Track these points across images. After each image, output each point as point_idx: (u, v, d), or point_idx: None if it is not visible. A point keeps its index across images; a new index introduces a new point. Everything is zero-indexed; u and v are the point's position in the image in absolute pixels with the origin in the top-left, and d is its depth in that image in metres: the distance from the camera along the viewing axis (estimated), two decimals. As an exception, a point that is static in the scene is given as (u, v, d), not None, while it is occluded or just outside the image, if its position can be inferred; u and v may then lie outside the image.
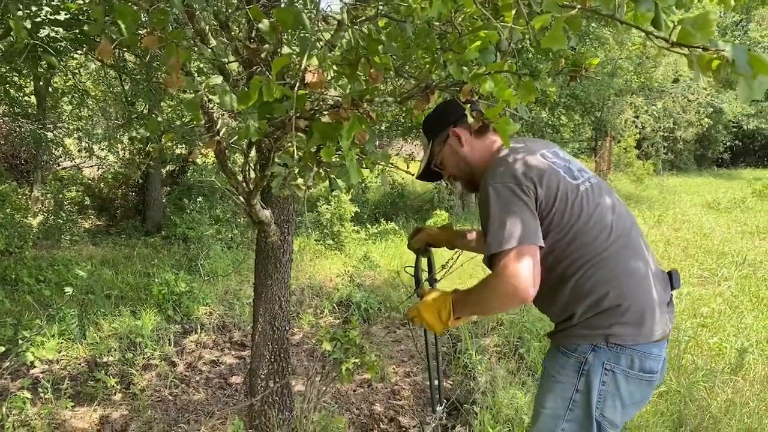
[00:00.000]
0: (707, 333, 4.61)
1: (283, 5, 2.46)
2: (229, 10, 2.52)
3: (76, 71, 9.34)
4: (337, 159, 1.65)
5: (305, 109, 1.65)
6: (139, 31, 1.62)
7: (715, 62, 1.06)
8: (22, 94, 9.33)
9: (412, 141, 13.59)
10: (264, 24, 1.53)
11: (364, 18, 2.04)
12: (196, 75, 2.21)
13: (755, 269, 6.90)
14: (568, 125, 13.73)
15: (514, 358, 4.29)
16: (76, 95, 9.98)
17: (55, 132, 9.96)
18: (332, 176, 1.71)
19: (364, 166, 1.78)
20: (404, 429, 3.52)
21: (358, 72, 1.61)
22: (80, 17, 3.98)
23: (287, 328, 3.05)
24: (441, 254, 3.05)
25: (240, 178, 2.35)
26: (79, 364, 4.32)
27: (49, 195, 10.57)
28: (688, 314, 5.08)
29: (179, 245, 8.63)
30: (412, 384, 4.16)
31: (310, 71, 1.47)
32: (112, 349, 4.48)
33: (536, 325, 4.59)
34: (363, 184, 12.71)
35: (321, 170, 1.70)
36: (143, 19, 1.82)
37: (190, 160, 10.52)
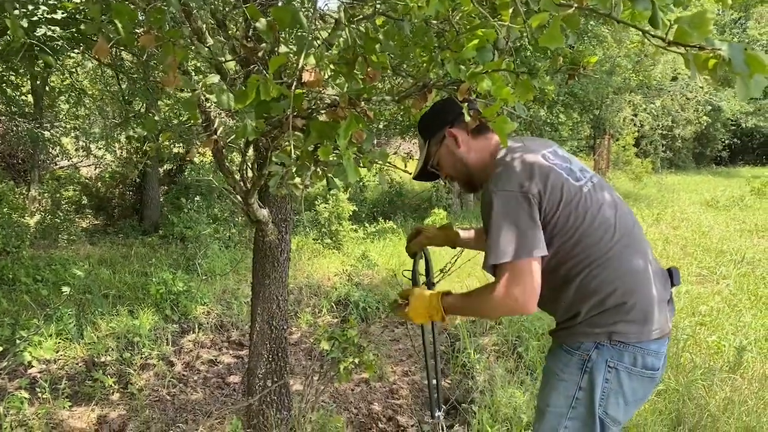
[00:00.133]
0: (706, 331, 4.62)
1: (280, 4, 2.45)
2: (226, 9, 2.51)
3: (73, 70, 9.32)
4: (335, 158, 1.65)
5: (302, 108, 1.65)
6: (136, 30, 1.62)
7: (712, 61, 1.06)
8: (18, 93, 9.32)
9: (410, 140, 13.58)
10: (261, 23, 1.52)
11: (361, 17, 2.04)
12: (193, 74, 2.21)
13: (754, 267, 6.91)
14: (566, 123, 13.73)
15: (513, 356, 4.29)
16: (73, 94, 9.97)
17: (52, 131, 9.95)
18: (329, 175, 1.71)
19: (361, 164, 1.78)
20: (402, 428, 3.52)
21: (355, 71, 1.60)
22: (77, 16, 3.97)
23: (285, 327, 3.05)
24: (440, 256, 3.04)
25: (237, 177, 2.35)
26: (77, 363, 4.31)
27: (46, 194, 10.55)
28: (686, 312, 5.08)
29: (177, 244, 8.62)
30: (411, 383, 4.16)
31: (307, 70, 1.47)
32: (110, 349, 4.48)
33: (535, 323, 4.59)
34: (361, 183, 12.70)
35: (318, 169, 1.70)
36: (140, 18, 1.81)
37: (188, 159, 10.53)
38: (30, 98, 10.21)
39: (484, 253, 1.72)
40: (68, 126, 10.79)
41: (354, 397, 3.92)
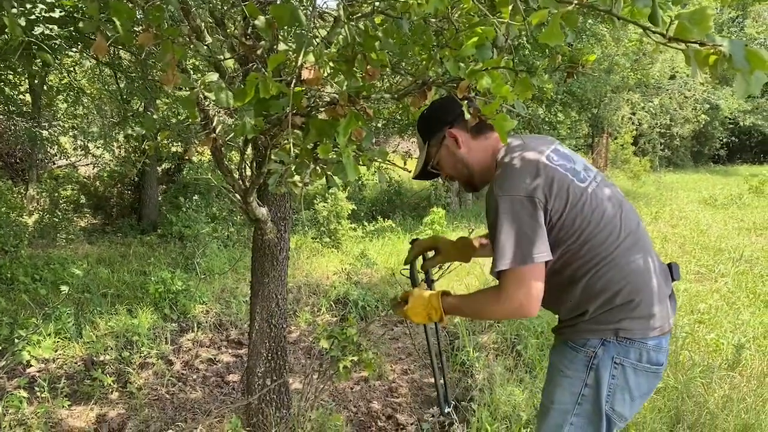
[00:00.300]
0: (704, 329, 4.62)
1: (279, 2, 2.45)
2: (225, 7, 2.51)
3: (71, 69, 9.30)
4: (334, 156, 1.65)
5: (302, 106, 1.64)
6: (135, 29, 1.61)
7: (712, 57, 1.06)
8: (16, 93, 9.30)
9: (409, 138, 13.58)
10: (260, 20, 1.52)
11: (360, 14, 2.03)
12: (191, 72, 2.20)
13: (752, 265, 6.92)
14: (564, 122, 13.73)
15: (512, 355, 4.29)
16: (71, 93, 9.95)
17: (50, 130, 9.93)
18: (329, 173, 1.70)
19: (361, 163, 1.78)
20: (402, 426, 3.52)
21: (354, 69, 1.60)
22: (75, 15, 3.96)
23: (284, 326, 3.04)
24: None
25: (236, 175, 2.34)
26: (76, 362, 4.31)
27: (44, 193, 10.53)
28: (685, 310, 5.09)
29: (175, 243, 8.61)
30: (410, 381, 4.16)
31: (306, 68, 1.46)
32: (109, 348, 4.47)
33: (533, 322, 4.59)
34: (360, 182, 12.70)
35: (318, 167, 1.70)
36: (138, 17, 1.81)
37: (186, 157, 10.52)
38: (28, 97, 10.18)
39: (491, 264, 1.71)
40: (66, 125, 10.76)
41: (353, 396, 3.92)
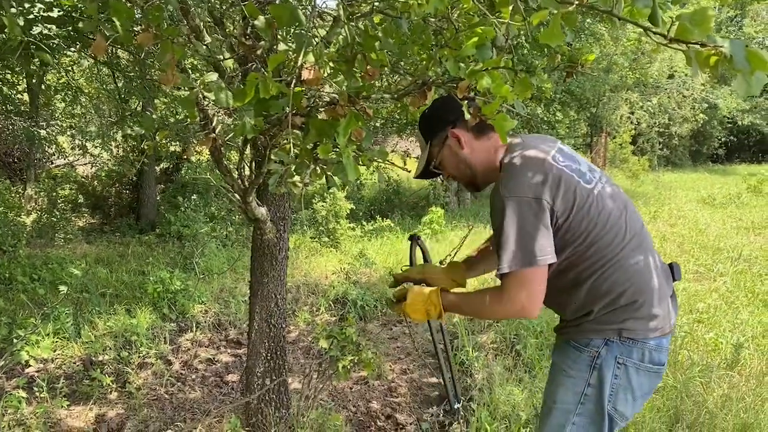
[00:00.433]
0: (703, 328, 4.63)
1: (278, 1, 2.45)
2: (224, 7, 2.51)
3: (69, 68, 9.28)
4: (334, 156, 1.64)
5: (302, 106, 1.64)
6: (134, 28, 1.61)
7: (713, 58, 1.06)
8: (14, 92, 9.27)
9: (407, 138, 13.58)
10: (260, 20, 1.52)
11: (359, 14, 2.03)
12: (190, 72, 2.20)
13: (750, 265, 6.92)
14: (563, 121, 13.75)
15: (511, 354, 4.30)
16: (69, 92, 9.93)
17: (48, 130, 9.90)
18: (329, 173, 1.70)
19: (360, 163, 1.77)
20: (401, 426, 3.52)
21: (354, 69, 1.60)
22: (73, 14, 3.95)
23: (284, 325, 3.04)
24: (437, 253, 3.05)
25: (235, 175, 2.34)
26: (75, 362, 4.30)
27: (42, 193, 10.52)
28: (684, 310, 5.09)
29: (174, 243, 8.61)
30: (409, 381, 4.16)
31: (306, 68, 1.46)
32: (108, 348, 4.47)
33: (533, 321, 4.59)
34: (358, 181, 12.70)
35: (318, 167, 1.69)
36: (137, 16, 1.80)
37: (185, 157, 10.50)
38: (26, 96, 10.16)
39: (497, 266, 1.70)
40: (64, 124, 10.74)
41: (352, 396, 3.92)
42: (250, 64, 2.10)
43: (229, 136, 1.92)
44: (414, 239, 2.34)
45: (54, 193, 10.52)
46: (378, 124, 11.29)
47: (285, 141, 1.56)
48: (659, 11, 1.14)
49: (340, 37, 1.73)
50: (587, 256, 1.71)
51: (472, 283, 5.92)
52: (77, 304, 5.47)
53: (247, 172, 2.38)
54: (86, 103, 10.43)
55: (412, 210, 12.64)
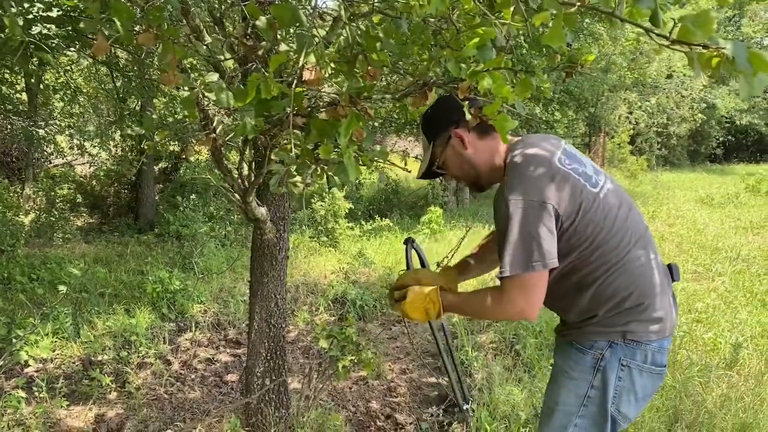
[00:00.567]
0: (702, 328, 4.63)
1: (278, 1, 2.45)
2: (223, 7, 2.50)
3: (68, 68, 9.27)
4: (335, 156, 1.64)
5: (303, 107, 1.64)
6: (134, 28, 1.61)
7: (715, 60, 1.06)
8: (13, 91, 9.26)
9: (406, 137, 13.58)
10: (261, 21, 1.52)
11: (359, 14, 2.03)
12: (190, 72, 2.20)
13: (749, 264, 6.94)
14: (561, 121, 13.74)
15: (510, 354, 4.30)
16: (68, 92, 9.92)
17: (46, 129, 9.89)
18: (330, 173, 1.70)
19: (361, 163, 1.77)
20: (400, 426, 3.52)
21: (355, 69, 1.60)
22: (72, 14, 3.94)
23: (283, 325, 3.04)
24: (435, 253, 3.04)
25: (236, 175, 2.34)
26: (74, 362, 4.30)
27: (40, 193, 10.51)
28: (682, 309, 5.10)
29: (173, 243, 8.60)
30: (408, 381, 4.17)
31: (307, 68, 1.46)
32: (107, 348, 4.46)
33: (532, 321, 4.60)
34: (357, 181, 12.69)
35: (318, 167, 1.69)
36: (138, 17, 1.80)
37: (184, 157, 10.49)
38: (24, 96, 10.16)
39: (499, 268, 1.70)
40: (63, 124, 10.73)
41: (352, 395, 3.92)
42: (250, 65, 2.10)
43: (230, 136, 1.92)
44: (409, 243, 2.30)
45: (52, 193, 10.51)
46: (377, 124, 11.28)
47: (286, 141, 1.56)
48: (660, 13, 1.14)
49: (341, 37, 1.73)
50: (592, 260, 1.70)
51: (472, 283, 5.92)
52: (76, 303, 5.46)
53: (246, 172, 2.38)
54: (85, 102, 10.43)
55: (410, 209, 12.64)
